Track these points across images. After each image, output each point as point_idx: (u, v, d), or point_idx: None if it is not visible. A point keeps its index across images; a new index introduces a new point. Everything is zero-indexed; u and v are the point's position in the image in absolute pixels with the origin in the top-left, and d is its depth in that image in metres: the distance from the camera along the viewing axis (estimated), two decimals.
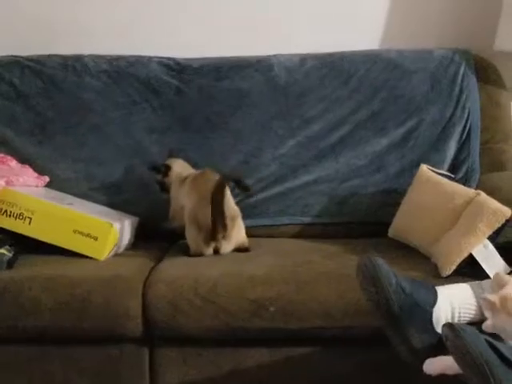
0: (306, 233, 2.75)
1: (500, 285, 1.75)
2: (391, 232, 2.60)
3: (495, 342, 1.53)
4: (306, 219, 2.77)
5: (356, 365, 2.25)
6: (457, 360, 1.55)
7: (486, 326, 1.71)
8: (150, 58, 2.90)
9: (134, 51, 2.93)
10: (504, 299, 1.70)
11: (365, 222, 2.75)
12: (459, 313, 1.86)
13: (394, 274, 1.84)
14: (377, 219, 2.71)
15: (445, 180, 2.48)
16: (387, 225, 2.62)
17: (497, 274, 1.80)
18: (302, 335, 2.23)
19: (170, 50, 2.94)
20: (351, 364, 2.25)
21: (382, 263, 1.85)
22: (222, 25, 3.02)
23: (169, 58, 2.91)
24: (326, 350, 2.26)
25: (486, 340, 1.53)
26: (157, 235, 2.74)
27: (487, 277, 2.10)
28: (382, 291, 1.82)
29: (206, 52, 2.93)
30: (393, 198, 2.69)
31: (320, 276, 2.26)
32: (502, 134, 2.86)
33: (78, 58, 2.89)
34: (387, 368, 2.18)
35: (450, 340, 1.54)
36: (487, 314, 1.71)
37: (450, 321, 1.81)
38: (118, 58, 2.90)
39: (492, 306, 1.70)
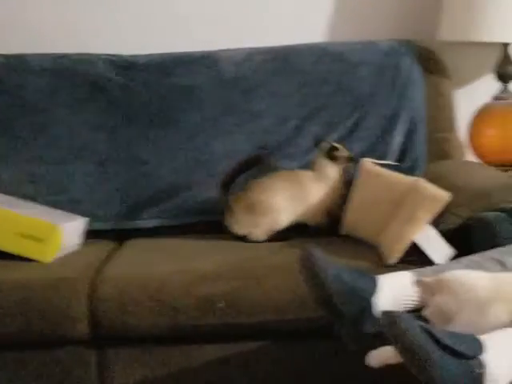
0: None
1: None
2: (343, 228, 2.60)
3: (431, 328, 1.55)
4: None
5: (307, 357, 2.25)
6: (395, 347, 1.55)
7: (426, 312, 1.73)
8: (95, 56, 2.87)
9: (79, 49, 2.90)
10: (439, 280, 1.71)
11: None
12: (401, 300, 1.87)
13: (332, 264, 1.84)
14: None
15: (386, 171, 2.51)
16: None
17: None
18: (253, 330, 2.24)
19: (116, 46, 2.92)
20: (303, 357, 2.26)
21: (319, 255, 1.85)
22: (168, 20, 3.01)
23: (114, 55, 2.89)
24: (277, 344, 2.27)
25: (422, 326, 1.54)
26: (105, 235, 2.72)
27: (431, 263, 2.12)
28: (320, 283, 1.82)
29: (152, 48, 2.91)
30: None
31: (269, 270, 2.27)
32: (446, 123, 2.88)
33: (21, 57, 2.84)
34: (338, 360, 2.20)
35: (386, 327, 1.55)
36: (424, 297, 1.72)
37: (391, 309, 1.82)
38: (63, 56, 2.86)
39: (428, 287, 1.71)
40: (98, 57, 2.87)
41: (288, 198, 2.58)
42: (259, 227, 2.56)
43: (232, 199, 2.59)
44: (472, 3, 2.79)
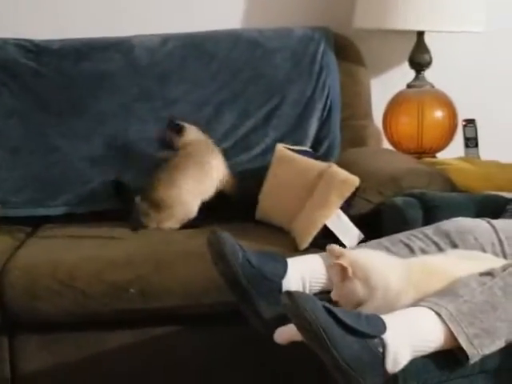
0: None
1: (335, 256, 1.76)
2: (258, 214, 2.61)
3: (333, 308, 1.55)
4: None
5: (218, 341, 2.27)
6: (296, 326, 1.55)
7: (334, 295, 1.74)
8: (5, 40, 2.82)
9: None
10: (354, 266, 1.71)
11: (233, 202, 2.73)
12: (310, 282, 1.88)
13: (240, 247, 1.84)
14: (244, 199, 2.69)
15: (299, 157, 2.52)
16: (255, 205, 2.62)
17: (329, 246, 1.81)
18: (163, 315, 2.24)
19: (28, 31, 2.86)
20: (213, 341, 2.27)
21: (227, 237, 1.84)
22: (82, 5, 2.97)
23: (26, 40, 2.83)
24: (187, 329, 2.27)
25: (324, 305, 1.54)
26: (18, 222, 2.66)
27: (343, 246, 2.13)
28: (228, 265, 1.82)
29: (64, 33, 2.87)
30: (258, 177, 2.66)
31: (179, 255, 2.27)
32: (361, 111, 2.90)
33: None
34: (248, 344, 2.20)
35: (288, 307, 1.55)
36: (335, 280, 1.73)
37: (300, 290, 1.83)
38: None
39: (344, 272, 1.72)
40: (8, 41, 2.82)
41: (195, 183, 2.57)
42: (172, 219, 2.54)
43: (140, 200, 2.54)
44: None
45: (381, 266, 1.75)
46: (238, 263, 1.81)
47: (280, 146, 2.59)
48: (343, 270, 1.71)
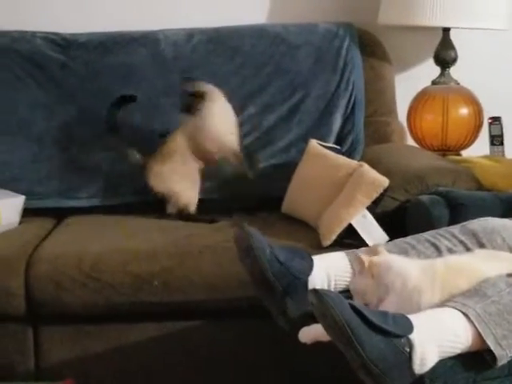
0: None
1: (373, 254, 1.78)
2: (284, 207, 2.62)
3: (360, 306, 1.55)
4: (200, 194, 2.75)
5: (240, 336, 2.28)
6: (322, 324, 1.56)
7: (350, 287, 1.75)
8: (34, 34, 2.84)
9: (19, 26, 2.87)
10: (372, 263, 1.73)
11: (255, 196, 2.74)
12: (335, 280, 1.88)
13: (267, 243, 1.84)
14: (267, 194, 2.71)
15: (331, 153, 2.52)
16: (278, 199, 2.63)
17: (373, 246, 1.83)
18: (187, 308, 2.25)
19: (56, 25, 2.89)
20: (235, 335, 2.28)
21: (254, 233, 1.84)
22: None
23: (54, 33, 2.86)
24: (210, 323, 2.29)
25: (350, 304, 1.54)
26: (43, 213, 2.69)
27: (366, 246, 2.14)
28: (255, 261, 1.82)
29: (92, 27, 2.89)
30: (282, 172, 2.69)
31: (203, 249, 2.28)
32: (385, 107, 2.90)
33: None
34: (270, 339, 2.21)
35: (314, 305, 1.55)
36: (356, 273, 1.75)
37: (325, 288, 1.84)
38: (1, 34, 2.83)
39: (361, 265, 1.73)
40: (36, 34, 2.84)
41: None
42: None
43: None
44: None
45: (401, 264, 1.76)
46: (266, 259, 1.81)
47: (313, 142, 2.59)
48: (361, 262, 1.72)
